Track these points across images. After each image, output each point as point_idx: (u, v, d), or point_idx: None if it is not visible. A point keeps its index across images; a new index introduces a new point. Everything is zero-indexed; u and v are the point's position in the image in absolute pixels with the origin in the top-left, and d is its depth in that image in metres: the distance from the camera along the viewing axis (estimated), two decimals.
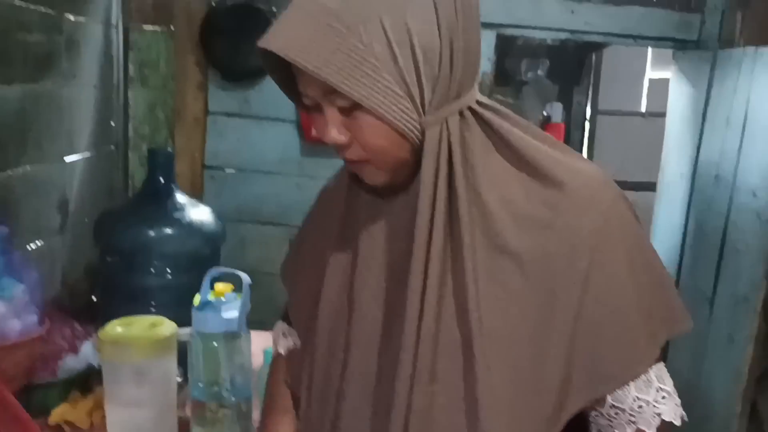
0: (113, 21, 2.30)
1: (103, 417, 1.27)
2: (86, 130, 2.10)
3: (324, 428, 0.84)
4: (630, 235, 0.76)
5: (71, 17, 1.95)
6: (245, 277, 1.20)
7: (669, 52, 2.57)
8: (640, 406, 0.76)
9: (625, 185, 3.83)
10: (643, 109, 4.56)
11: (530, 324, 0.73)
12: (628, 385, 0.76)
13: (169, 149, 1.68)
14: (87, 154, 2.10)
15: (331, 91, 0.69)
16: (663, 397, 0.77)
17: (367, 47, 0.67)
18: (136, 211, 1.62)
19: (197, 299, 1.21)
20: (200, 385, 1.19)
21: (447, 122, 0.74)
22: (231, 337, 1.18)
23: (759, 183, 1.90)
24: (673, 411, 0.77)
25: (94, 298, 1.90)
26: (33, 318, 1.22)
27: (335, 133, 0.73)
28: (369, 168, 0.76)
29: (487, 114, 0.77)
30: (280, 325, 1.07)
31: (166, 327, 1.23)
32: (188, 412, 1.26)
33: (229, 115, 2.52)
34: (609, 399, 0.76)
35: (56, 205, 1.91)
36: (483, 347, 0.72)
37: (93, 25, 2.13)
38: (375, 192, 0.81)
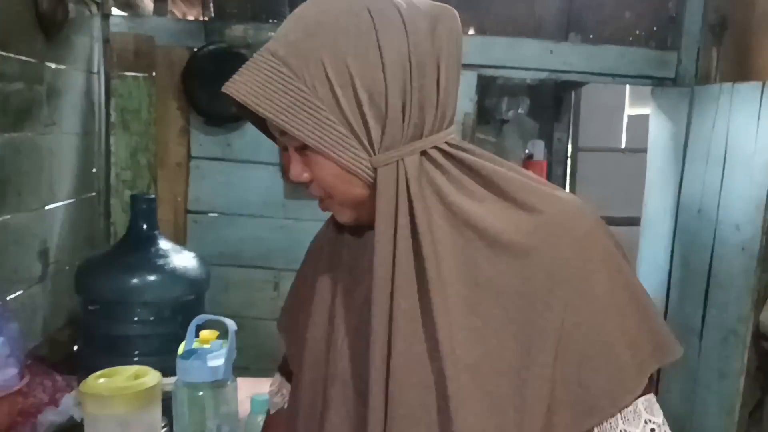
0: (95, 68, 2.31)
1: None
2: (67, 177, 2.09)
3: None
4: (610, 263, 0.74)
5: (52, 65, 1.95)
6: (231, 324, 1.18)
7: (647, 88, 2.62)
8: None
9: (608, 220, 3.82)
10: (622, 145, 4.61)
11: (510, 355, 0.72)
12: (615, 417, 0.73)
13: (152, 195, 1.66)
14: (68, 202, 2.08)
15: (285, 132, 0.73)
16: (652, 430, 0.74)
17: (311, 89, 0.70)
18: (118, 258, 1.60)
19: (182, 348, 1.18)
20: None
21: (403, 161, 0.74)
22: (217, 385, 1.16)
23: (741, 217, 1.92)
24: None
25: (75, 348, 1.86)
26: (13, 371, 1.18)
27: (297, 171, 0.77)
28: (332, 204, 0.79)
29: (459, 153, 0.76)
30: (276, 378, 1.05)
31: (151, 377, 1.20)
32: None
33: (211, 159, 2.52)
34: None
35: (36, 254, 1.88)
36: (458, 382, 0.70)
37: (74, 73, 2.13)
38: (353, 230, 0.83)
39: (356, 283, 0.81)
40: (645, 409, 0.74)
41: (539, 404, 0.71)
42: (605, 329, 0.72)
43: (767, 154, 1.83)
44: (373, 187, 0.74)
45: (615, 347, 0.72)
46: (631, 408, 0.73)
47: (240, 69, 0.73)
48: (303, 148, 0.75)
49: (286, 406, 0.97)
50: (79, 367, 1.54)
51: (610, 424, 0.73)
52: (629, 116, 4.66)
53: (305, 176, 0.76)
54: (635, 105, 4.58)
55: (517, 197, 0.74)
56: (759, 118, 1.87)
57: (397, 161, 0.74)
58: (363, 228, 0.81)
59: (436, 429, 0.72)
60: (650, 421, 0.74)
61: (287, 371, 0.98)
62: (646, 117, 2.68)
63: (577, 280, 0.72)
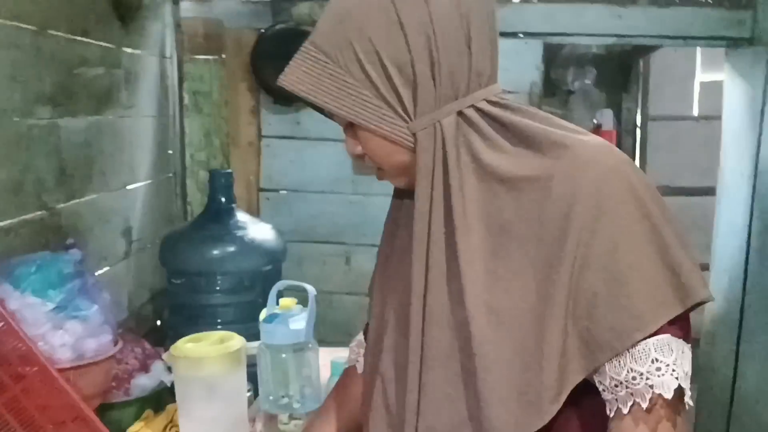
0: (167, 53, 2.38)
1: None
2: (146, 158, 2.17)
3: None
4: (634, 199, 0.74)
5: (129, 51, 2.02)
6: (311, 289, 1.22)
7: (719, 53, 2.53)
8: (633, 378, 0.73)
9: (681, 191, 3.75)
10: (695, 113, 4.47)
11: (531, 296, 0.76)
12: (624, 354, 0.73)
13: (230, 170, 1.71)
14: (147, 182, 2.16)
15: (333, 113, 0.81)
16: (658, 369, 0.73)
17: (345, 71, 0.78)
18: (199, 231, 1.66)
19: (264, 313, 1.23)
20: (270, 397, 1.21)
21: (440, 123, 0.79)
22: (299, 348, 1.20)
23: None
24: (667, 385, 0.73)
25: (159, 322, 1.95)
26: (108, 337, 1.25)
27: (350, 147, 0.86)
28: (386, 174, 0.87)
29: (495, 110, 0.80)
30: (359, 337, 1.14)
31: (236, 341, 1.25)
32: (259, 425, 1.27)
33: (281, 137, 2.57)
34: (607, 370, 0.74)
35: (120, 232, 1.96)
36: (479, 323, 0.76)
37: (149, 58, 2.20)
38: (411, 195, 0.86)
39: (408, 244, 0.86)
40: (655, 349, 0.73)
41: (557, 343, 0.74)
42: (622, 267, 0.73)
43: None
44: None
45: (627, 285, 0.73)
46: (641, 346, 0.73)
47: (290, 61, 0.82)
48: (351, 126, 0.82)
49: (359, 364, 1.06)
50: (164, 339, 1.61)
51: (620, 361, 0.74)
52: (701, 83, 4.51)
53: (358, 150, 0.84)
54: (707, 71, 4.43)
55: (543, 144, 0.78)
56: None
57: (434, 124, 0.79)
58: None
59: (461, 367, 0.78)
60: (658, 360, 0.73)
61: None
62: (718, 84, 2.59)
63: (592, 215, 0.74)
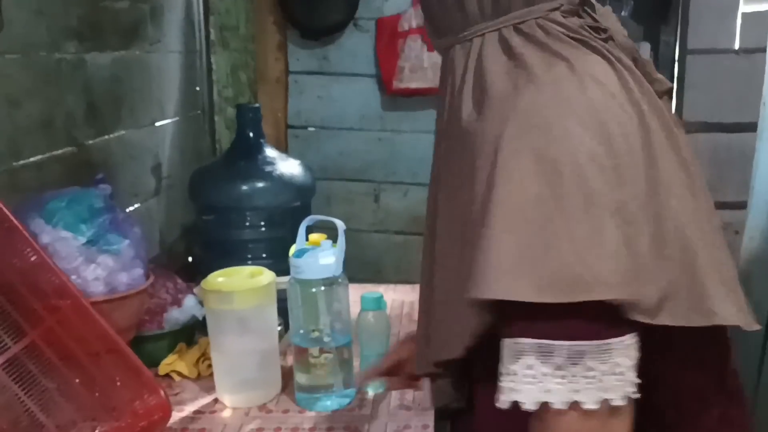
0: None
1: (209, 366, 1.31)
2: (174, 95, 2.15)
3: None
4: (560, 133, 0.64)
5: None
6: (340, 224, 1.21)
7: None
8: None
9: (718, 127, 3.64)
10: (736, 46, 4.30)
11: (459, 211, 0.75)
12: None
13: (257, 104, 1.69)
14: (175, 119, 2.15)
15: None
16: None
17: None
18: (228, 167, 1.65)
19: (294, 248, 1.22)
20: (301, 331, 1.21)
21: (482, 37, 0.75)
22: (329, 282, 1.19)
23: None
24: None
25: (190, 259, 1.96)
26: (139, 271, 1.26)
27: None
28: None
29: (535, 32, 0.72)
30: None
31: (266, 276, 1.25)
32: (290, 359, 1.28)
33: (309, 73, 2.53)
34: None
35: (150, 169, 1.97)
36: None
37: None
38: None
39: None
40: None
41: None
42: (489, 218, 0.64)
43: None
44: None
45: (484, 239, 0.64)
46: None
47: None
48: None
49: None
50: (196, 273, 1.62)
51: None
52: (743, 14, 4.32)
53: None
54: (750, 1, 4.24)
55: (539, 73, 0.69)
56: None
57: (472, 39, 0.75)
58: None
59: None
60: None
61: None
62: (762, 14, 2.47)
63: (501, 147, 0.66)
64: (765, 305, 2.27)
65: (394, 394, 1.27)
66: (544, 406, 0.62)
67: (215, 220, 1.62)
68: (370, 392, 1.26)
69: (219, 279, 1.23)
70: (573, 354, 0.61)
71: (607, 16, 0.80)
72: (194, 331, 1.45)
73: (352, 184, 2.62)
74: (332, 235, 1.22)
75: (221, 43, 2.42)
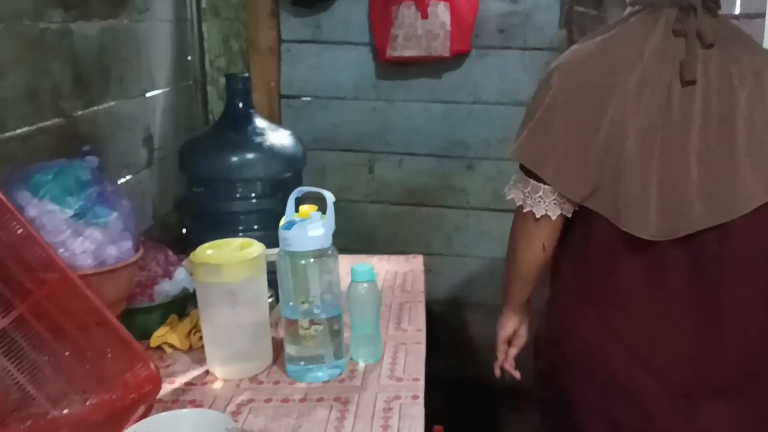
0: None
1: (201, 338, 1.31)
2: (164, 65, 2.12)
3: None
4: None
5: None
6: (329, 195, 1.20)
7: None
8: None
9: None
10: (737, 11, 4.24)
11: None
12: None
13: (247, 74, 1.66)
14: (167, 90, 2.12)
15: None
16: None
17: None
18: (217, 138, 1.63)
19: (283, 220, 1.21)
20: (291, 303, 1.21)
21: None
22: (319, 254, 1.18)
23: None
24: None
25: (183, 231, 1.95)
26: (128, 244, 1.25)
27: None
28: None
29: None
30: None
31: (255, 248, 1.25)
32: (281, 330, 1.28)
33: (301, 42, 2.50)
34: None
35: (141, 140, 1.95)
36: None
37: None
38: None
39: None
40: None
41: None
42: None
43: None
44: None
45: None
46: None
47: None
48: None
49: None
50: (188, 245, 1.62)
51: None
52: None
53: None
54: None
55: None
56: None
57: None
58: None
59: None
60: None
61: None
62: None
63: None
64: None
65: (385, 365, 1.28)
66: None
67: (205, 191, 1.61)
68: (361, 363, 1.26)
69: (208, 251, 1.22)
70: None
71: None
72: (186, 303, 1.45)
73: (346, 154, 2.60)
74: (323, 207, 1.21)
75: (212, 12, 2.38)
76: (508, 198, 1.30)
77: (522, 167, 1.26)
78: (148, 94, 1.99)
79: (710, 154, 1.14)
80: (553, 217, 1.24)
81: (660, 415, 1.22)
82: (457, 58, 2.42)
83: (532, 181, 1.24)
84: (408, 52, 2.34)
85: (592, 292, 1.26)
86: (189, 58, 2.34)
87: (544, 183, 1.22)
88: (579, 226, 1.26)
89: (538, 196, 1.23)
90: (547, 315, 1.37)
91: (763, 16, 2.43)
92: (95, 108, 1.65)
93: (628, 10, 1.26)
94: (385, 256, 1.89)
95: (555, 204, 1.23)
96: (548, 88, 1.21)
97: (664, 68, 1.16)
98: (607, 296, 1.24)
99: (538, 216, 1.24)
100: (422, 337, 1.41)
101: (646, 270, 1.20)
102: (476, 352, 2.81)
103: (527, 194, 1.25)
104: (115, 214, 1.24)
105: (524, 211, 1.26)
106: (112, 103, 1.75)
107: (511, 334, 1.53)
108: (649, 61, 1.16)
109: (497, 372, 1.60)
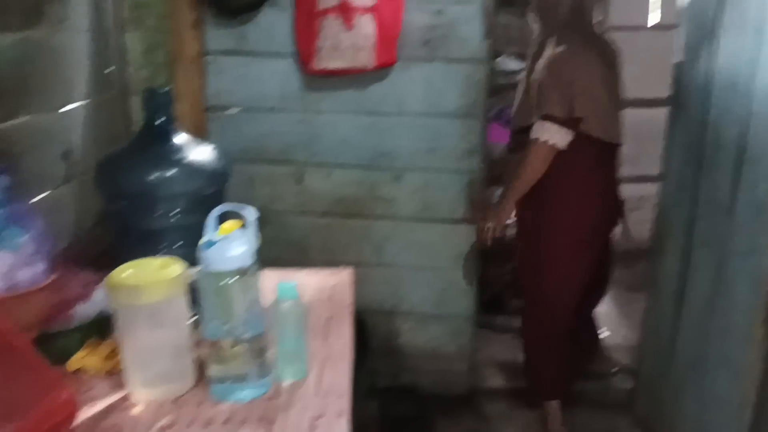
0: None
1: (120, 362, 1.28)
2: (84, 77, 2.06)
3: None
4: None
5: None
6: (251, 212, 1.19)
7: None
8: None
9: (639, 102, 3.71)
10: (654, 22, 4.41)
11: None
12: None
13: (167, 88, 1.63)
14: (87, 102, 2.06)
15: None
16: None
17: None
18: (136, 154, 1.60)
19: (204, 238, 1.20)
20: (213, 323, 1.19)
21: None
22: (241, 272, 1.17)
23: None
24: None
25: (106, 248, 1.90)
26: (42, 267, 1.21)
27: None
28: None
29: None
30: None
31: (176, 267, 1.22)
32: (204, 350, 1.26)
33: (226, 52, 2.47)
34: None
35: (60, 155, 1.89)
36: None
37: None
38: None
39: None
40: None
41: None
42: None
43: None
44: None
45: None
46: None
47: None
48: None
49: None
50: (110, 264, 1.58)
51: None
52: None
53: None
54: None
55: None
56: None
57: None
58: None
59: None
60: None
61: None
62: None
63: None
64: (679, 272, 2.36)
65: (310, 382, 1.27)
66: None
67: (126, 208, 1.57)
68: (287, 380, 1.26)
69: (125, 273, 1.20)
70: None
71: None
72: (107, 325, 1.40)
73: (275, 166, 2.58)
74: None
75: (135, 22, 2.33)
76: (541, 141, 2.26)
77: (556, 118, 2.25)
78: (67, 107, 1.93)
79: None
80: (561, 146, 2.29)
81: None
82: (382, 70, 2.43)
83: (557, 126, 2.26)
84: (333, 64, 2.34)
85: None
86: (110, 69, 2.29)
87: (568, 127, 2.27)
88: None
89: (560, 134, 2.27)
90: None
91: (675, 27, 2.55)
92: (10, 123, 1.60)
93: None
94: (314, 270, 1.88)
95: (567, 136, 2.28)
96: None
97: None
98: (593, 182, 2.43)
99: (559, 146, 2.28)
100: (348, 351, 1.41)
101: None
102: (408, 360, 2.83)
103: (553, 134, 2.27)
104: (27, 236, 1.20)
105: (549, 143, 2.26)
106: (28, 117, 1.70)
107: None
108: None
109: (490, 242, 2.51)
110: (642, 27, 4.31)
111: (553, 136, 2.25)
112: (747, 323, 1.96)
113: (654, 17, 4.41)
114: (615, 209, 2.55)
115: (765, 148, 1.90)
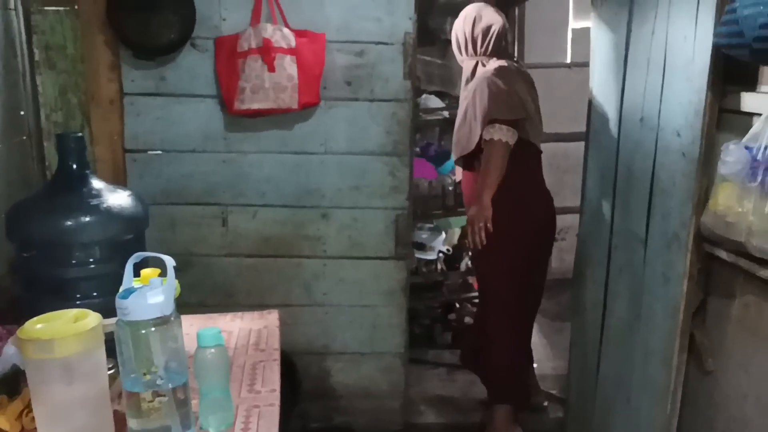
0: (11, 4, 2.17)
1: (33, 419, 1.21)
2: None
3: None
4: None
5: None
6: (169, 260, 1.15)
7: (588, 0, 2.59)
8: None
9: (556, 137, 3.84)
10: (568, 60, 4.60)
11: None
12: None
13: (80, 133, 1.58)
14: None
15: None
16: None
17: None
18: (49, 201, 1.54)
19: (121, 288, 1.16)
20: (132, 375, 1.14)
21: None
22: (160, 322, 1.13)
23: (682, 122, 1.93)
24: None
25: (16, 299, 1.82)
26: None
27: None
28: None
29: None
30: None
31: (91, 319, 1.17)
32: (123, 404, 1.21)
33: (146, 94, 2.43)
34: None
35: None
36: None
37: None
38: None
39: None
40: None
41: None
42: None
43: (705, 58, 1.83)
44: None
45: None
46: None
47: None
48: None
49: None
50: (21, 315, 1.50)
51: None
52: (573, 30, 4.63)
53: None
54: (578, 18, 4.55)
55: None
56: (696, 23, 1.86)
57: None
58: None
59: None
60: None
61: None
62: (588, 30, 2.66)
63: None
64: (600, 301, 2.42)
65: (237, 430, 1.24)
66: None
67: (38, 257, 1.51)
68: (211, 431, 1.22)
69: (37, 325, 1.14)
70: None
71: None
72: (18, 381, 1.33)
73: (198, 207, 2.53)
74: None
75: (47, 64, 2.27)
76: (496, 139, 2.52)
77: (505, 121, 2.52)
78: None
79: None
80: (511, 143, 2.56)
81: None
82: (306, 110, 2.44)
83: (506, 126, 2.54)
84: (256, 105, 2.33)
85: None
86: (22, 112, 2.21)
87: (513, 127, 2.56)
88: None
89: (510, 133, 2.54)
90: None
91: (587, 64, 2.66)
92: None
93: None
94: (239, 314, 1.84)
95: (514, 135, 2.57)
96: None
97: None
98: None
99: (510, 143, 2.54)
100: (276, 398, 1.38)
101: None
102: (341, 400, 2.79)
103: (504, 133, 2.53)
104: None
105: (503, 141, 2.52)
106: None
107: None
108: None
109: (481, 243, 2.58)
110: (560, 64, 4.48)
111: (504, 134, 2.52)
112: (666, 349, 2.03)
113: (569, 55, 4.59)
114: (552, 215, 2.82)
115: (674, 179, 1.99)
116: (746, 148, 1.69)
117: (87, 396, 1.17)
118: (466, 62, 2.71)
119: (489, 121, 2.51)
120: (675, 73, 1.98)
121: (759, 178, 1.65)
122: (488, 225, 2.55)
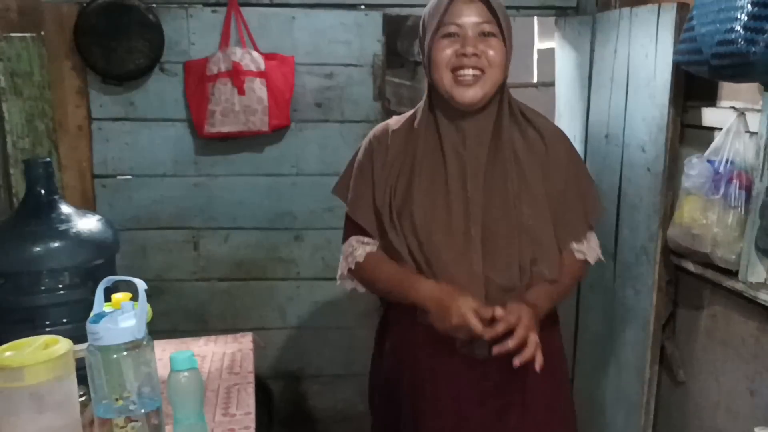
0: None
1: None
2: None
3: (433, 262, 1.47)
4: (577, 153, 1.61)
5: None
6: (140, 283, 1.14)
7: (554, 21, 2.64)
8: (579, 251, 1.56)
9: None
10: (534, 80, 4.66)
11: (542, 189, 1.48)
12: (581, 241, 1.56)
13: (48, 158, 1.57)
14: None
15: (487, 20, 1.41)
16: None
17: None
18: (16, 227, 1.51)
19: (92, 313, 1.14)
20: (104, 401, 1.13)
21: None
22: (132, 346, 1.12)
23: (646, 138, 1.97)
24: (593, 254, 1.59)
25: None
26: None
27: (473, 47, 1.39)
28: (480, 80, 1.41)
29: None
30: (354, 240, 1.56)
31: (61, 345, 1.16)
32: (95, 431, 1.19)
33: (114, 119, 2.41)
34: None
35: None
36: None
37: None
38: (449, 117, 1.48)
39: (459, 152, 1.47)
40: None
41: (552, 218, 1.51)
42: (580, 185, 1.56)
43: (666, 75, 1.88)
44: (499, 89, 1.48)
45: (575, 200, 1.54)
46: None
47: None
48: (488, 34, 1.42)
49: (375, 249, 1.53)
50: None
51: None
52: (539, 50, 4.71)
53: (479, 51, 1.39)
54: (544, 38, 4.63)
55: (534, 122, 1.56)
56: (657, 41, 1.91)
57: None
58: (460, 113, 1.47)
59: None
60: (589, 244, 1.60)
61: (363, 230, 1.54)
62: (553, 51, 2.71)
63: (569, 155, 1.55)
64: (570, 319, 2.45)
65: None
66: None
67: (7, 285, 1.48)
68: None
69: (6, 353, 1.12)
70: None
71: None
72: None
73: (169, 232, 2.51)
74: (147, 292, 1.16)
75: (13, 91, 2.25)
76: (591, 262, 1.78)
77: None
78: None
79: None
80: None
81: None
82: (277, 132, 2.44)
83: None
84: (227, 128, 2.33)
85: None
86: None
87: None
88: None
89: None
90: None
91: (553, 84, 2.70)
92: None
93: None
94: (213, 337, 1.83)
95: None
96: None
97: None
98: None
99: None
100: (252, 420, 1.37)
101: None
102: (318, 424, 2.77)
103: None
104: None
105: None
106: None
107: None
108: None
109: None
110: (527, 84, 4.54)
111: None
112: (638, 361, 2.05)
113: (535, 75, 4.66)
114: None
115: (640, 194, 2.03)
116: (708, 161, 1.74)
117: (58, 425, 1.15)
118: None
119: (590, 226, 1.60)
120: (638, 91, 2.03)
121: (721, 191, 1.70)
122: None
